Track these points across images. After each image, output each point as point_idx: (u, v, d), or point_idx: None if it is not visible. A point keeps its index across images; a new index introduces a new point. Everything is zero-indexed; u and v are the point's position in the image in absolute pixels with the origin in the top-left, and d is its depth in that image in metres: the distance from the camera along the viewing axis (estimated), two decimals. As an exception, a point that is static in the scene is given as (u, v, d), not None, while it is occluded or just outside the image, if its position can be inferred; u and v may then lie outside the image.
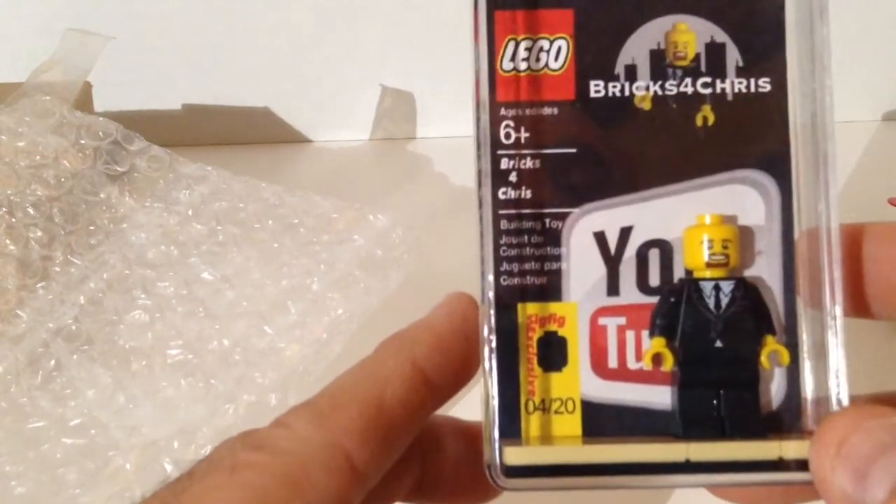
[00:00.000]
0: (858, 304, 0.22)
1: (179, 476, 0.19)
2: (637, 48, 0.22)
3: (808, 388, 0.22)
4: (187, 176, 0.48)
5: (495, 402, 0.21)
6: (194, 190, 0.47)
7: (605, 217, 0.22)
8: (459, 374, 0.22)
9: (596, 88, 0.22)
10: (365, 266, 0.40)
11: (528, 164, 0.22)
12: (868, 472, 0.18)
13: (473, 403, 0.22)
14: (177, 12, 0.57)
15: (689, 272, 0.22)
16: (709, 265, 0.22)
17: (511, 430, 0.21)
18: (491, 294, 0.22)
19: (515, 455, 0.21)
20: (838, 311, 0.21)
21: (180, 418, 0.36)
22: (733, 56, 0.22)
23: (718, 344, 0.22)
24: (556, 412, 0.22)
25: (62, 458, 0.38)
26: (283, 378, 0.36)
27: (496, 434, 0.21)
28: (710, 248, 0.22)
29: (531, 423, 0.22)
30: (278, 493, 0.18)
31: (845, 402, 0.21)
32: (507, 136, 0.22)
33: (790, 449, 0.21)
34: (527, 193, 0.22)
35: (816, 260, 0.21)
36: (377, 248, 0.40)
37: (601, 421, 0.22)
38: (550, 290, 0.22)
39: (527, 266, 0.22)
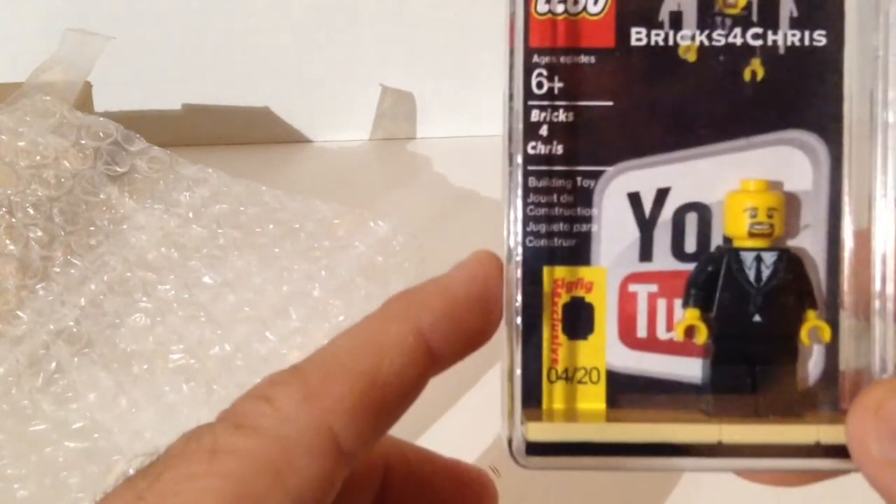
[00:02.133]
0: None
1: (155, 460, 0.18)
2: None
3: (848, 365, 0.21)
4: (188, 178, 0.48)
5: (518, 372, 0.20)
6: (195, 192, 0.47)
7: (641, 177, 0.21)
8: (468, 344, 0.20)
9: (637, 36, 0.21)
10: (366, 273, 0.40)
11: (561, 116, 0.21)
12: None
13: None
14: (177, 12, 0.57)
15: (728, 240, 0.21)
16: (751, 235, 0.20)
17: (531, 399, 0.20)
18: (518, 257, 0.20)
19: (539, 431, 0.20)
20: (889, 287, 0.20)
21: (183, 423, 0.36)
22: (787, 5, 0.21)
23: (757, 318, 0.21)
24: (579, 382, 0.21)
25: (65, 461, 0.38)
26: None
27: (518, 407, 0.20)
28: (754, 216, 0.20)
29: (553, 393, 0.21)
30: (258, 480, 0.17)
31: (889, 374, 0.20)
32: (540, 85, 0.21)
33: (829, 433, 0.19)
34: (558, 149, 0.21)
35: (865, 260, 0.20)
36: (378, 255, 0.40)
37: (627, 392, 0.21)
38: (579, 253, 0.21)
39: (555, 227, 0.21)
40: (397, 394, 0.19)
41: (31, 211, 0.48)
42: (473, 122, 0.62)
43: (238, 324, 0.40)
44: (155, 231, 0.47)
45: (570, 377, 0.21)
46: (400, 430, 0.21)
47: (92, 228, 0.48)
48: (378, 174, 0.62)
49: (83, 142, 0.51)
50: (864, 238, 0.20)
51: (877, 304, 0.20)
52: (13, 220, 0.48)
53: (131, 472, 0.36)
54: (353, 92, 0.61)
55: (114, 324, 0.43)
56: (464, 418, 0.42)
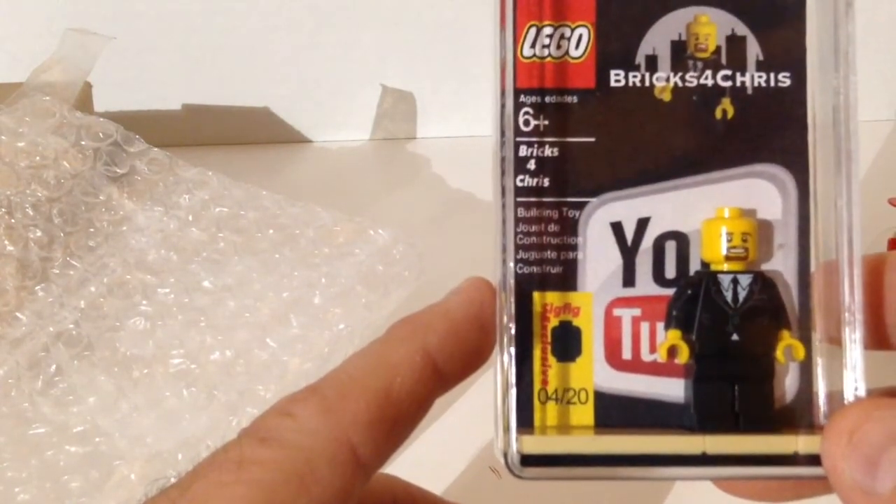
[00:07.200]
0: (879, 336, 0.22)
1: (187, 473, 0.19)
2: (658, 39, 0.22)
3: (822, 383, 0.22)
4: (187, 180, 0.48)
5: (514, 391, 0.21)
6: (194, 194, 0.47)
7: (623, 207, 0.22)
8: (470, 363, 0.21)
9: (616, 78, 0.22)
10: (366, 281, 0.40)
11: (547, 152, 0.22)
12: (879, 460, 0.18)
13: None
14: (177, 12, 0.57)
15: (705, 265, 0.22)
16: (727, 258, 0.22)
17: (523, 419, 0.21)
18: (511, 282, 0.21)
19: (532, 444, 0.21)
20: (858, 307, 0.21)
21: (184, 429, 0.37)
22: (753, 49, 0.22)
23: (735, 337, 0.22)
24: (569, 402, 0.22)
25: (66, 465, 0.38)
26: (285, 392, 0.36)
27: (513, 423, 0.21)
28: (730, 241, 0.22)
29: (544, 413, 0.22)
30: (284, 489, 0.18)
31: (862, 394, 0.21)
32: (527, 123, 0.22)
33: (807, 443, 0.21)
34: (545, 182, 0.22)
35: (834, 286, 0.21)
36: (378, 264, 0.40)
37: (613, 412, 0.22)
38: (566, 279, 0.22)
39: (543, 255, 0.22)
40: (409, 409, 0.20)
41: (30, 212, 0.48)
42: (473, 122, 0.62)
43: (238, 329, 0.40)
44: (154, 233, 0.47)
45: (559, 398, 0.22)
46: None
47: (91, 230, 0.48)
48: (378, 174, 0.62)
49: (83, 142, 0.51)
50: (830, 269, 0.22)
51: (846, 326, 0.21)
52: (12, 220, 0.48)
53: (132, 477, 0.36)
54: (353, 92, 0.61)
55: (114, 327, 0.43)
56: (464, 419, 0.42)
